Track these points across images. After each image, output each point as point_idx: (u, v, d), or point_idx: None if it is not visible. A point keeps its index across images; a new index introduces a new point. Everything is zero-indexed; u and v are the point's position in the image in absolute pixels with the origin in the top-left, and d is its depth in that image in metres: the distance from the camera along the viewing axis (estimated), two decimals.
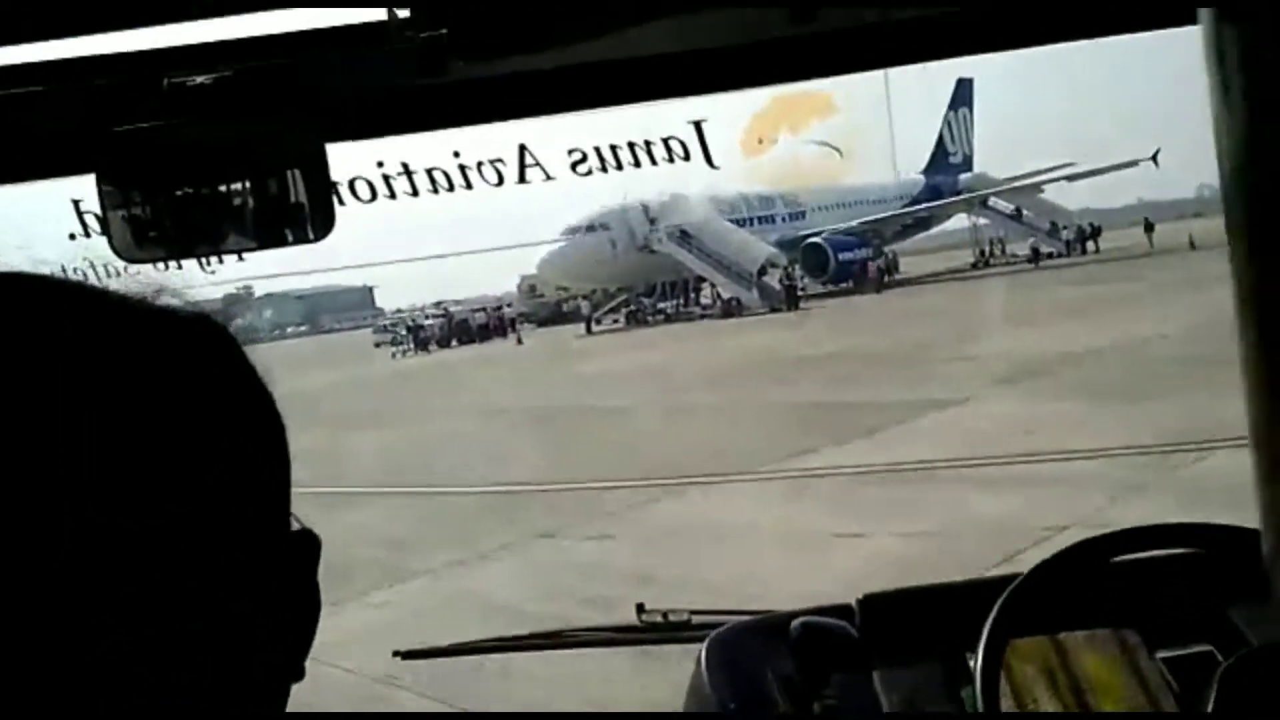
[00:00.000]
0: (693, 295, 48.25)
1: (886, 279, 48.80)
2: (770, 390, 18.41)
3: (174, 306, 0.53)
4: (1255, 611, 1.45)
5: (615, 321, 49.38)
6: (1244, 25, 1.16)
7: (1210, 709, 1.24)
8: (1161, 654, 1.49)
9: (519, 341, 44.64)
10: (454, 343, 50.29)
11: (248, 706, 0.50)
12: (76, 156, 1.16)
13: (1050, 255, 54.05)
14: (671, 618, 2.00)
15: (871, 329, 28.19)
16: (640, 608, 2.04)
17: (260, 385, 0.54)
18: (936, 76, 61.53)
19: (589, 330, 45.52)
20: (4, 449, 0.43)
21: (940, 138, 63.25)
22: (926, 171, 61.44)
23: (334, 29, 1.14)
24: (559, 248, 45.56)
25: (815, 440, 12.26)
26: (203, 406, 0.49)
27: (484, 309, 54.89)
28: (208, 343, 0.53)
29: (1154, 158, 46.63)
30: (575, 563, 8.97)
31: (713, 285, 47.75)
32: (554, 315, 54.21)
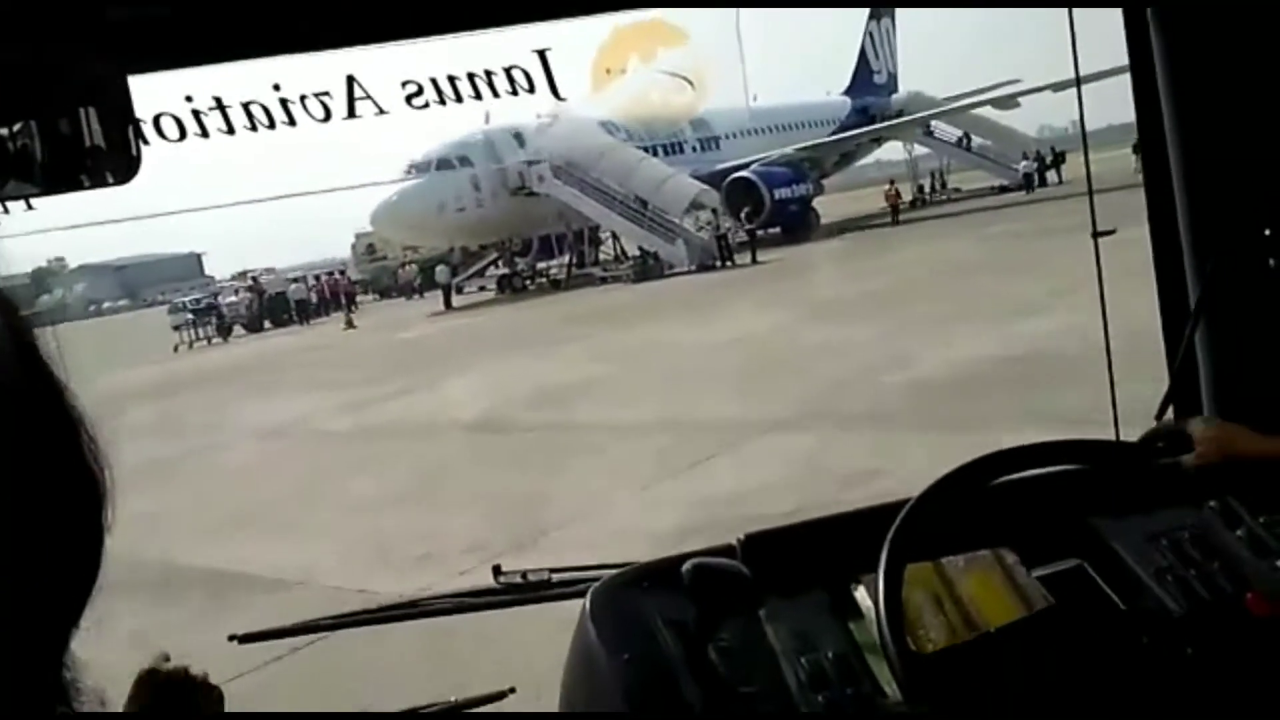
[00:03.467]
0: (588, 251, 36.19)
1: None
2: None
3: None
4: (1114, 523, 1.53)
5: (483, 290, 37.13)
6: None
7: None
8: (1037, 571, 1.50)
9: (348, 324, 31.80)
10: (267, 324, 37.36)
11: (21, 649, 0.51)
12: None
13: (1004, 189, 44.83)
14: (531, 577, 1.87)
15: (888, 299, 17.10)
16: (497, 570, 1.89)
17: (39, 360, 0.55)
18: None
19: (448, 305, 33.11)
20: None
21: (862, 53, 52.47)
22: (851, 92, 50.73)
23: None
24: (400, 192, 32.93)
25: None
26: None
27: (305, 278, 41.76)
28: None
29: None
30: None
31: (615, 237, 35.86)
32: (402, 284, 41.57)
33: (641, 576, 1.62)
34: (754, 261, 30.63)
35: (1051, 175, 45.48)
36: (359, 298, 41.93)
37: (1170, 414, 1.79)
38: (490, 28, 1.37)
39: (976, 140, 47.11)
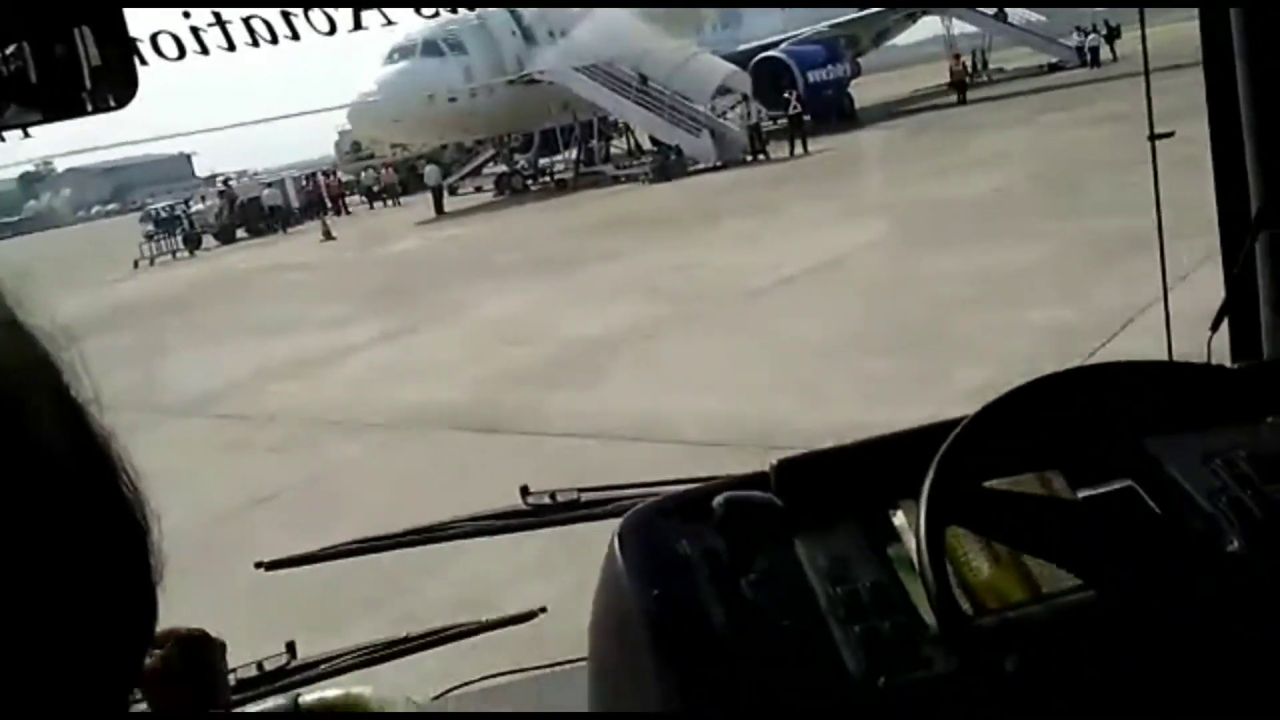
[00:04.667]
0: (598, 146, 31.91)
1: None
2: None
3: None
4: (1169, 442, 1.46)
5: (480, 191, 33.10)
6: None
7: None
8: (1084, 492, 1.43)
9: (325, 235, 27.72)
10: (242, 233, 33.43)
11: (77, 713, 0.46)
12: None
13: (1055, 66, 40.21)
14: (560, 498, 1.85)
15: (1011, 206, 13.25)
16: (524, 490, 1.86)
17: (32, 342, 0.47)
18: None
19: (439, 210, 29.06)
20: None
21: None
22: None
23: None
24: (380, 81, 28.60)
25: None
26: None
27: (283, 180, 37.61)
28: None
29: None
30: None
31: (628, 130, 31.56)
32: (390, 184, 37.46)
33: (673, 507, 1.53)
34: (794, 154, 26.48)
35: (1105, 51, 41.12)
36: (349, 199, 37.97)
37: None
38: None
39: (1022, 12, 42.56)
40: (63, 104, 0.99)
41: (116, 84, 1.02)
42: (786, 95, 28.94)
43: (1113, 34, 41.84)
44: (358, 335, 12.18)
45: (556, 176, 31.41)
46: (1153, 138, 2.09)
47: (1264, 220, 1.75)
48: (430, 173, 30.68)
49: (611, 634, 1.49)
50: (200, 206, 35.03)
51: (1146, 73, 2.22)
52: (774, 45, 32.79)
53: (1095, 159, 13.53)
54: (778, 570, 1.42)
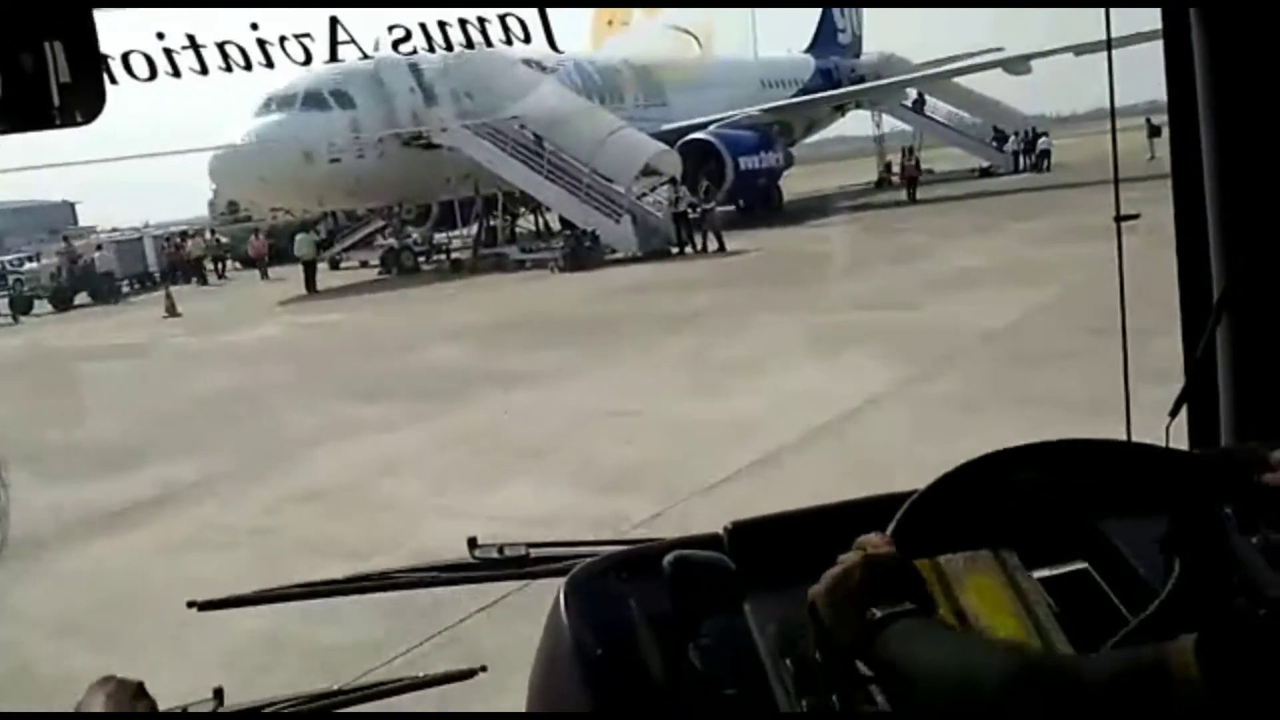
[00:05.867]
0: (501, 223, 28.16)
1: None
2: None
3: None
4: (1122, 525, 1.45)
5: (367, 265, 29.05)
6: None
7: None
8: (1039, 573, 1.40)
9: (169, 310, 23.05)
10: (83, 298, 28.54)
11: None
12: None
13: (986, 171, 38.38)
14: (508, 552, 1.80)
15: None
16: (472, 542, 1.81)
17: None
18: None
19: (310, 288, 24.87)
20: None
21: (826, 10, 45.05)
22: (813, 51, 43.44)
23: None
24: (254, 132, 24.50)
25: None
26: None
27: (140, 239, 32.95)
28: None
29: None
30: None
31: (539, 209, 27.91)
32: (255, 255, 33.04)
33: (622, 564, 1.53)
34: (709, 249, 23.17)
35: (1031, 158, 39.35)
36: (227, 264, 33.31)
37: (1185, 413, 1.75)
38: None
39: (951, 110, 40.74)
40: (29, 116, 0.97)
41: (85, 98, 1.02)
42: (704, 183, 25.71)
43: (1034, 140, 40.25)
44: (127, 488, 8.07)
45: (453, 255, 27.53)
46: (1119, 219, 2.19)
47: (1225, 305, 1.77)
48: (301, 243, 26.43)
49: (551, 692, 1.47)
50: (33, 265, 30.05)
51: (1114, 154, 2.39)
52: (703, 126, 29.69)
53: (1075, 291, 10.28)
54: (726, 635, 1.38)
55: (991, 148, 39.74)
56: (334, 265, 30.42)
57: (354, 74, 24.92)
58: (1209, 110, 1.77)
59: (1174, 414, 1.71)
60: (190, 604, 1.76)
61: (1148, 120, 40.65)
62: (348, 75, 24.77)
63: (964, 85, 39.80)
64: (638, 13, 24.54)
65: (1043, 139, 37.60)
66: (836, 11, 44.47)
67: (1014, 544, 1.40)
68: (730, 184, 28.55)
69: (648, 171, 25.72)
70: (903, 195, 33.01)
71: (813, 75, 41.49)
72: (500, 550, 1.78)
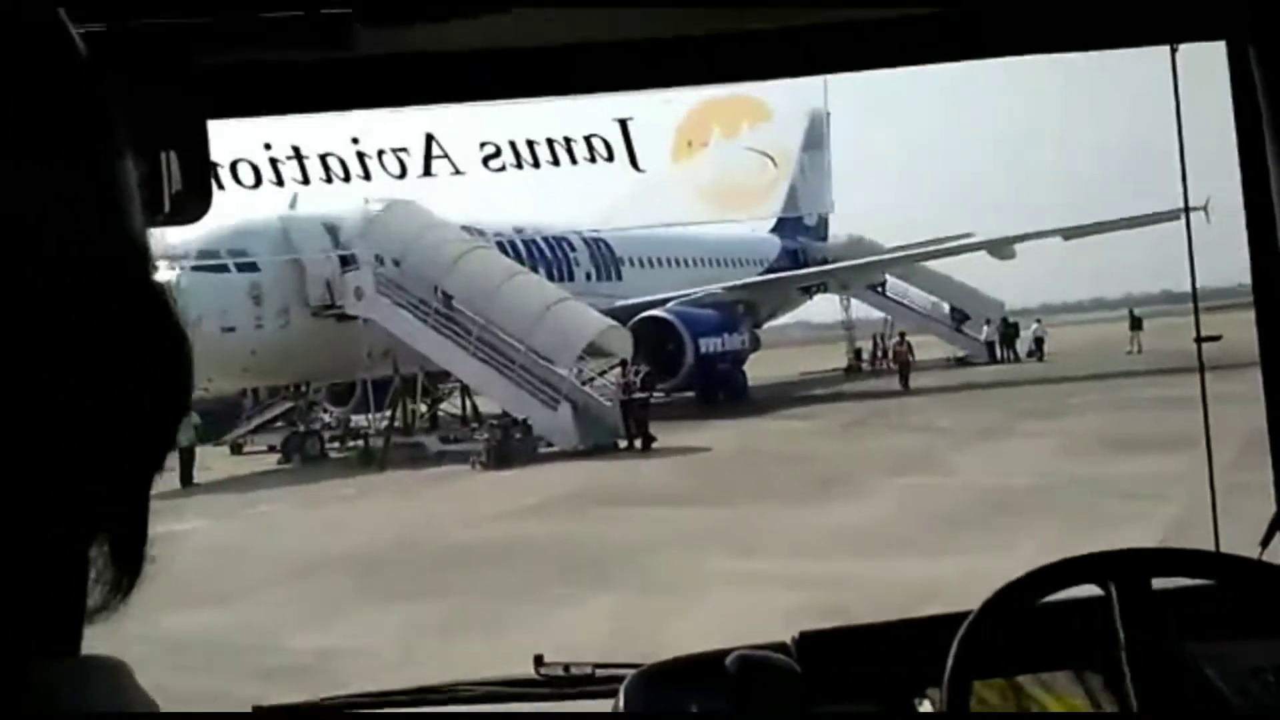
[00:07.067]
0: (420, 410, 24.45)
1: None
2: None
3: None
4: (1209, 648, 1.37)
5: (272, 449, 25.06)
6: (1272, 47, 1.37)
7: None
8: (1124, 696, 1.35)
9: None
10: None
11: (103, 496, 0.43)
12: None
13: (963, 360, 36.76)
14: (574, 670, 1.80)
15: None
16: (539, 660, 1.82)
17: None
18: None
19: (186, 480, 20.71)
20: None
21: (793, 189, 43.15)
22: (778, 231, 41.22)
23: None
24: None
25: None
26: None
27: None
28: None
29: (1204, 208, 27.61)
30: None
31: (466, 391, 24.25)
32: None
33: (683, 670, 1.52)
34: (646, 447, 19.52)
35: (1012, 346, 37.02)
36: None
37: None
38: (561, 95, 1.38)
39: (925, 297, 38.56)
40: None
41: (192, 203, 1.10)
42: (661, 367, 22.28)
43: (1011, 331, 38.00)
44: None
45: (368, 442, 23.64)
46: (1199, 340, 2.16)
47: None
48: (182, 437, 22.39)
49: None
50: None
51: (1192, 263, 2.20)
52: (662, 303, 26.60)
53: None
54: None
55: (966, 336, 37.45)
56: (235, 449, 26.46)
57: (256, 232, 21.64)
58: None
59: (1266, 542, 1.54)
60: (255, 709, 1.78)
61: (1130, 312, 39.08)
62: (248, 233, 21.43)
63: (940, 271, 37.94)
64: (716, 132, 22.40)
65: (1035, 325, 35.35)
66: (801, 189, 42.65)
67: (1095, 665, 1.38)
68: (689, 367, 25.28)
69: (596, 352, 22.31)
70: (878, 384, 30.03)
71: (779, 255, 39.27)
72: (566, 668, 1.76)
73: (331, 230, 22.47)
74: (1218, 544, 1.67)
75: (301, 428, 24.40)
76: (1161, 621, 1.36)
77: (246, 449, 26.63)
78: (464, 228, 23.93)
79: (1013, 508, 10.66)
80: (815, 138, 40.72)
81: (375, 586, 9.76)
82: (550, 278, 26.18)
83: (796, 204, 42.45)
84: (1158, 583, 1.39)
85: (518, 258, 25.68)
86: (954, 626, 1.30)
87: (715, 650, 1.46)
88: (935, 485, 12.21)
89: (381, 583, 9.84)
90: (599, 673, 1.73)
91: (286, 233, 22.01)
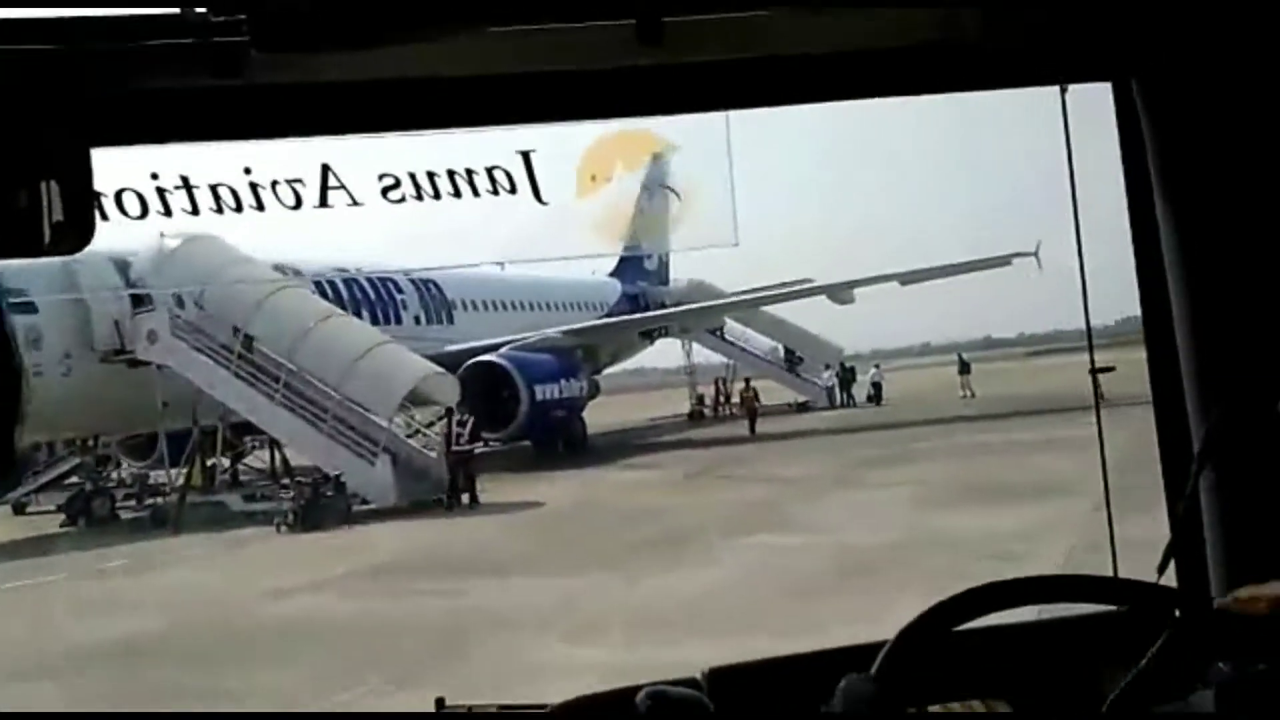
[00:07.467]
0: (221, 465, 22.19)
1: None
2: None
3: None
4: (1122, 676, 1.25)
5: (60, 509, 22.26)
6: (1161, 86, 1.45)
7: None
8: None
9: None
10: None
11: None
12: None
13: (804, 406, 36.39)
14: (476, 711, 1.72)
15: None
16: (439, 703, 1.69)
17: None
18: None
19: None
20: None
21: (635, 232, 42.41)
22: (618, 274, 40.35)
23: (117, 18, 1.07)
24: None
25: None
26: None
27: None
28: None
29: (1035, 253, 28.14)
30: None
31: (276, 444, 22.08)
32: None
33: (598, 705, 1.48)
34: (472, 504, 18.00)
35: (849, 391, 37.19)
36: None
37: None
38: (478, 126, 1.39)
39: (766, 341, 38.45)
40: (16, 245, 1.01)
41: (73, 232, 1.06)
42: (462, 419, 20.63)
43: (849, 376, 38.30)
44: None
45: (162, 500, 21.21)
46: (1094, 371, 2.28)
47: (1205, 457, 1.66)
48: None
49: None
50: None
51: (1085, 302, 2.18)
52: (495, 348, 25.14)
53: None
54: None
55: (806, 381, 37.37)
56: (18, 510, 23.51)
57: (35, 269, 19.10)
58: (1177, 262, 1.64)
59: (1162, 569, 1.54)
60: None
61: (960, 357, 39.83)
62: (26, 270, 18.90)
63: (777, 316, 37.84)
64: (619, 165, 20.95)
65: (873, 370, 35.44)
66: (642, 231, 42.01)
67: (1005, 693, 1.36)
68: (524, 415, 23.87)
69: (421, 400, 20.65)
70: (721, 430, 29.32)
71: (619, 300, 38.32)
72: (469, 709, 1.70)
73: (122, 268, 20.19)
74: (1116, 572, 1.63)
75: (89, 486, 21.80)
76: (1073, 648, 1.41)
77: (31, 509, 23.86)
78: (276, 266, 22.06)
79: (870, 569, 9.68)
80: (655, 177, 40.22)
81: (123, 690, 7.95)
82: (375, 321, 24.49)
83: (638, 248, 41.98)
84: (1069, 610, 1.37)
85: (338, 300, 23.89)
86: (867, 657, 1.27)
87: (625, 688, 1.37)
88: (787, 546, 11.19)
89: (130, 684, 8.04)
90: (505, 713, 1.67)
91: (70, 270, 19.59)
